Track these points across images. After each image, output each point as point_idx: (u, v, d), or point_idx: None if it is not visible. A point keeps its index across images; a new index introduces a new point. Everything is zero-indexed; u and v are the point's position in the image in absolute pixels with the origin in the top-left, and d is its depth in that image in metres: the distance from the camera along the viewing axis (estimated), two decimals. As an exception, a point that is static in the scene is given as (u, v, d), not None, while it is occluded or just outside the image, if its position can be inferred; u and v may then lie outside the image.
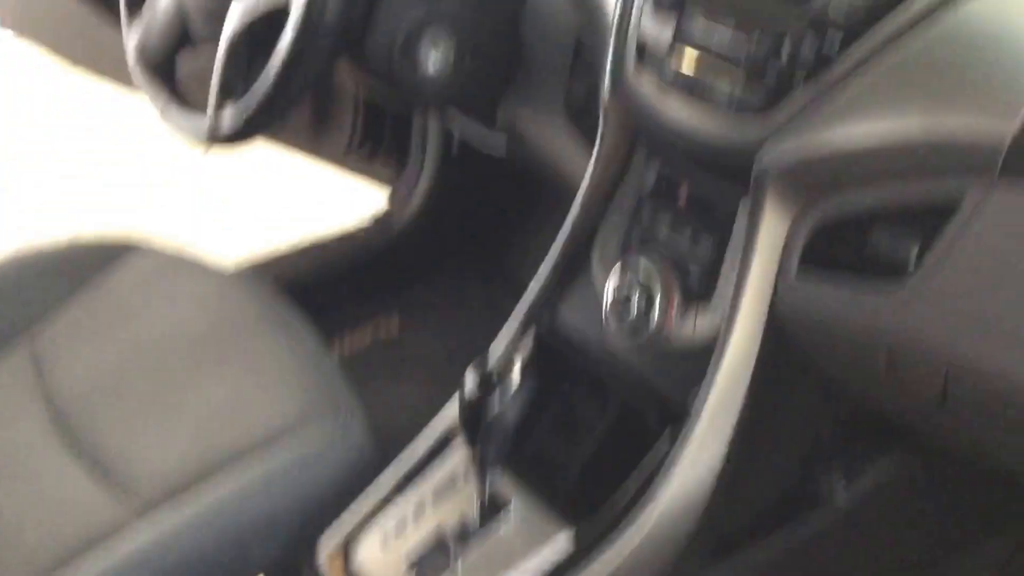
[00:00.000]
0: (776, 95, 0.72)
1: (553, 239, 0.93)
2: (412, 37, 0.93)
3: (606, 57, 0.85)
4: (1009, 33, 0.64)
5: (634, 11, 0.83)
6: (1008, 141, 0.63)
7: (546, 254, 0.93)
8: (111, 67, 1.47)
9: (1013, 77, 0.63)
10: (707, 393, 0.78)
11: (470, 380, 0.82)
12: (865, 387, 0.84)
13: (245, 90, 0.89)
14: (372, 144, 1.46)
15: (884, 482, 0.92)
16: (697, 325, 0.83)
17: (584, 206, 0.90)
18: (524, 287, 0.94)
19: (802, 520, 0.91)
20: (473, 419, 0.83)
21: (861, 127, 0.69)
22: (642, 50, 0.82)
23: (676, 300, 0.83)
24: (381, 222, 1.52)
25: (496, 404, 0.80)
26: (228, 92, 0.91)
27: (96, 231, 1.12)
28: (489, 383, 0.81)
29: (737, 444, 0.79)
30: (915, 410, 0.84)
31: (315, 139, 1.49)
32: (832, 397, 0.89)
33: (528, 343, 0.90)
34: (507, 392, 0.81)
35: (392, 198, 1.52)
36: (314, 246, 1.49)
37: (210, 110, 0.92)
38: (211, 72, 0.92)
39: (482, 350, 0.93)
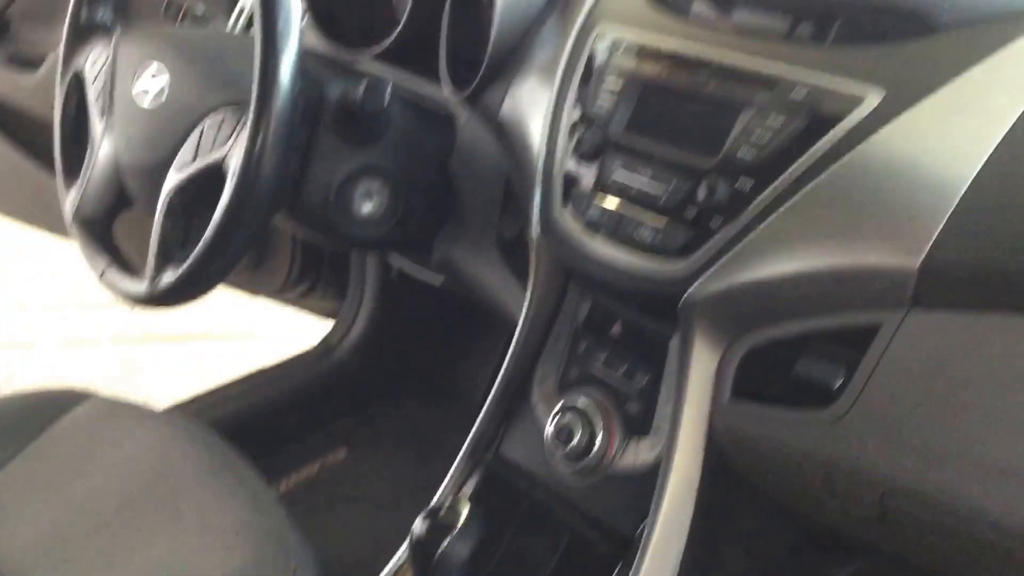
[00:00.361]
0: (695, 237, 0.76)
1: (494, 362, 0.95)
2: (346, 188, 0.96)
3: (534, 198, 0.88)
4: (908, 170, 0.69)
5: (558, 154, 0.87)
6: (915, 274, 0.67)
7: (489, 377, 0.95)
8: (49, 219, 1.48)
9: (914, 212, 0.67)
10: (654, 522, 0.80)
11: (419, 526, 0.82)
12: (808, 507, 0.86)
13: (184, 251, 0.90)
14: (310, 279, 1.47)
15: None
16: (639, 455, 0.85)
17: (522, 343, 0.93)
18: (469, 410, 0.95)
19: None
20: (423, 562, 0.83)
21: (778, 264, 0.73)
22: (568, 192, 0.85)
23: (616, 432, 0.85)
24: (323, 353, 1.53)
25: (446, 544, 0.81)
26: (167, 253, 0.91)
27: (37, 385, 1.11)
28: (438, 524, 0.82)
29: (689, 570, 0.81)
30: (858, 527, 0.86)
31: (252, 276, 1.50)
32: (783, 516, 0.90)
33: (475, 480, 0.91)
34: (456, 531, 0.81)
35: (333, 329, 1.54)
36: (256, 381, 1.49)
37: (149, 272, 0.92)
38: (149, 233, 0.92)
39: (429, 475, 0.93)
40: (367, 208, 0.97)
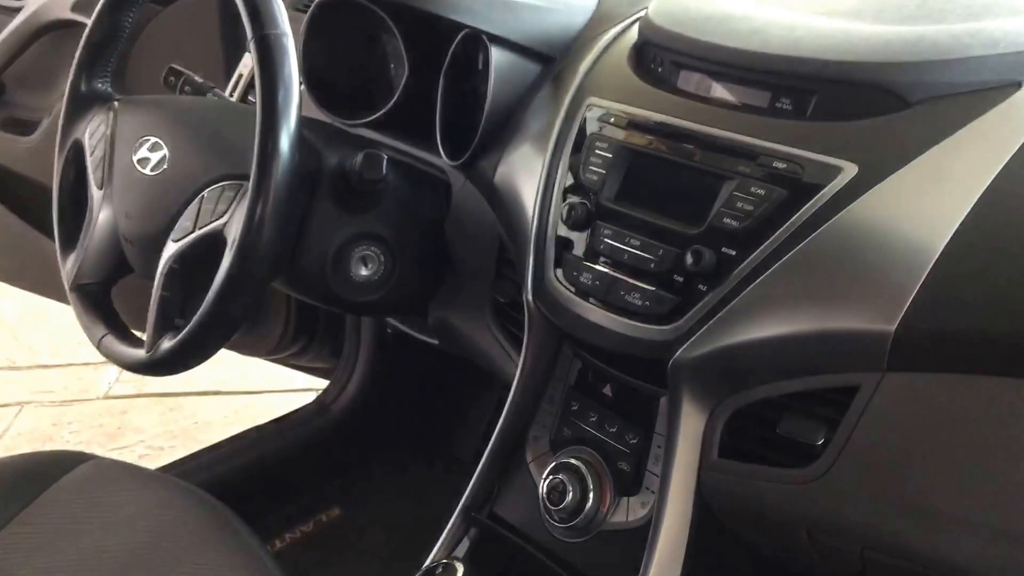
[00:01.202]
0: (682, 303, 0.79)
1: (488, 421, 0.97)
2: (343, 254, 0.98)
3: (527, 263, 0.91)
4: (883, 238, 0.71)
5: (550, 221, 0.90)
6: (891, 337, 0.69)
7: (482, 436, 0.97)
8: (42, 281, 1.50)
9: (889, 278, 0.70)
10: (643, 578, 0.82)
11: None
12: (792, 560, 0.88)
13: (183, 319, 0.91)
14: (305, 339, 1.49)
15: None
16: (630, 513, 0.87)
17: (515, 403, 0.95)
18: (463, 468, 0.96)
19: None
20: None
21: (761, 328, 0.75)
22: (560, 257, 0.88)
23: (608, 489, 0.87)
24: (318, 411, 1.54)
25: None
26: (165, 321, 0.92)
27: (37, 448, 1.12)
28: None
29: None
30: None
31: (247, 337, 1.51)
32: (770, 569, 0.92)
33: (469, 539, 0.92)
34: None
35: (328, 387, 1.55)
36: (252, 439, 1.50)
37: (148, 340, 0.93)
38: (148, 301, 0.93)
39: (424, 534, 0.94)
40: (364, 273, 0.99)
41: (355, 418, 1.52)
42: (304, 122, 0.91)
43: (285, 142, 0.85)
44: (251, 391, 2.29)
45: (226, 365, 2.19)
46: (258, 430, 1.52)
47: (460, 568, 0.81)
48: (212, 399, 2.28)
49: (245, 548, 1.00)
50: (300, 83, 0.88)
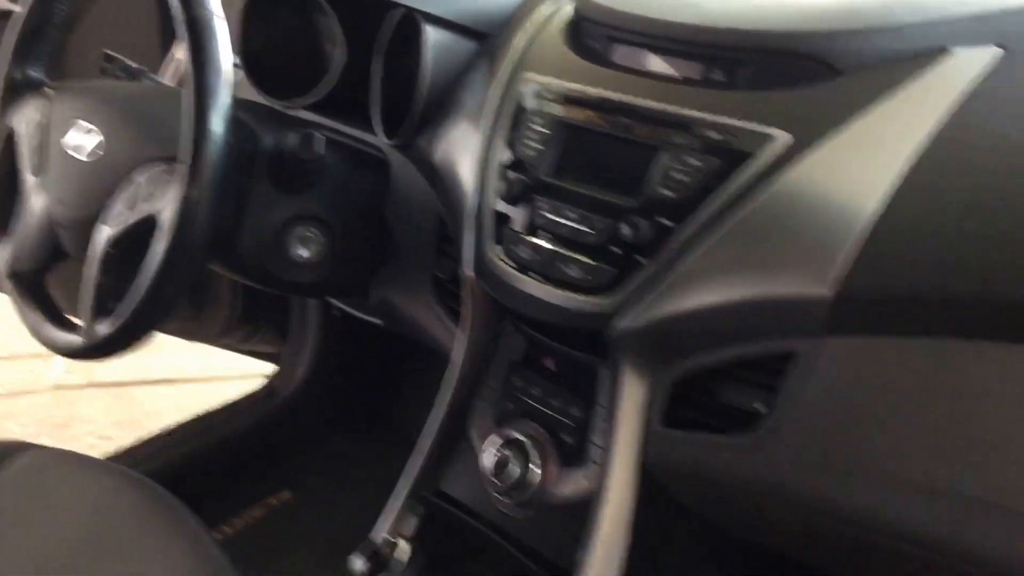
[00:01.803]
0: (620, 274, 0.79)
1: (436, 395, 0.97)
2: (282, 235, 0.97)
3: (467, 238, 0.91)
4: (817, 205, 0.72)
5: (489, 197, 0.89)
6: (828, 302, 0.70)
7: (431, 410, 0.97)
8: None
9: (825, 244, 0.71)
10: (588, 551, 0.82)
11: (358, 564, 0.83)
12: (742, 528, 0.89)
13: (118, 302, 0.90)
14: (252, 323, 1.48)
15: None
16: (575, 485, 0.87)
17: (458, 379, 0.95)
18: (413, 444, 0.96)
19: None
20: None
21: (699, 296, 0.76)
22: (499, 233, 0.88)
23: (552, 463, 0.87)
24: (266, 395, 1.53)
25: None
26: (101, 306, 0.91)
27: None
28: (379, 562, 0.83)
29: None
30: (790, 546, 0.89)
31: (193, 323, 1.50)
32: (722, 539, 0.93)
33: (415, 515, 0.92)
34: (397, 567, 0.83)
35: (276, 371, 1.54)
36: (200, 426, 1.49)
37: (85, 325, 0.92)
38: (83, 285, 0.93)
39: (375, 514, 0.94)
40: (303, 254, 0.99)
41: (304, 401, 1.51)
42: (240, 104, 0.90)
43: (217, 123, 0.84)
44: (203, 379, 2.27)
45: (178, 353, 2.17)
46: (207, 416, 1.50)
47: (403, 545, 0.81)
48: (164, 388, 2.25)
49: (190, 535, 0.99)
50: (237, 65, 0.87)
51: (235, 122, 0.87)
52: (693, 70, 0.83)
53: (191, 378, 2.28)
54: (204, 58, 0.84)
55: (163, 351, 2.26)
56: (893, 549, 0.76)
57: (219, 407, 1.52)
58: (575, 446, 0.87)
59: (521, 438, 0.88)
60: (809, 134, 0.74)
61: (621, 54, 0.88)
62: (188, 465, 1.42)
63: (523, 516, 0.89)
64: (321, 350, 1.49)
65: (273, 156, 0.96)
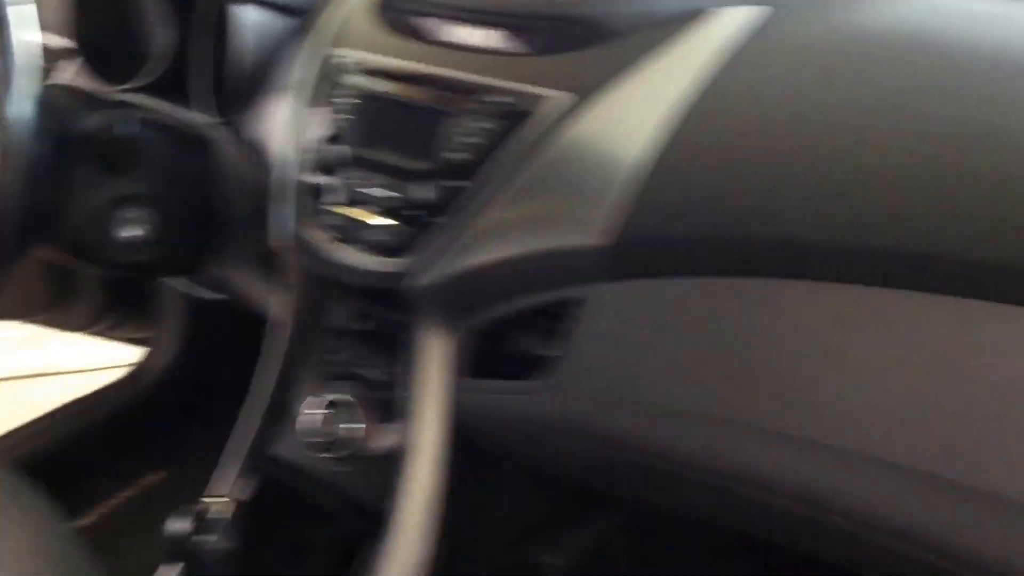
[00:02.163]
0: (417, 235, 0.84)
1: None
2: (106, 217, 0.99)
3: (283, 211, 0.95)
4: (593, 159, 0.77)
5: (301, 169, 0.93)
6: (607, 250, 0.76)
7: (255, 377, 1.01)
8: None
9: (601, 196, 0.76)
10: (399, 501, 0.87)
11: (177, 525, 0.87)
12: (554, 469, 0.95)
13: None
14: (116, 310, 1.49)
15: (598, 547, 1.03)
16: (390, 440, 0.92)
17: (283, 346, 0.99)
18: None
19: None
20: (190, 562, 0.87)
21: (490, 252, 0.81)
22: (311, 204, 0.92)
23: (368, 420, 0.92)
24: (134, 379, 1.54)
25: (212, 543, 0.86)
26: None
27: None
28: (205, 524, 0.86)
29: (440, 538, 0.88)
30: (602, 483, 0.95)
31: (59, 312, 1.50)
32: (538, 481, 0.99)
33: (241, 478, 0.96)
34: (219, 526, 0.87)
35: (144, 355, 1.55)
36: (65, 414, 1.49)
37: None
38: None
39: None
40: (131, 235, 1.01)
41: (173, 381, 1.52)
42: (57, 88, 0.92)
43: (21, 109, 0.86)
44: (87, 369, 2.25)
45: (61, 344, 2.15)
46: (73, 403, 1.51)
47: (220, 504, 0.85)
48: (46, 380, 2.23)
49: (40, 522, 1.00)
50: (73, 50, 0.87)
51: (48, 107, 0.88)
52: (492, 39, 0.87)
53: (76, 370, 2.26)
54: (5, 44, 0.85)
55: (47, 343, 2.23)
56: (691, 478, 0.80)
57: (85, 394, 1.52)
58: (390, 402, 0.92)
59: (341, 398, 0.92)
60: (585, 93, 0.79)
61: (427, 28, 0.92)
62: (58, 451, 1.42)
63: (346, 472, 0.93)
64: (186, 330, 1.50)
65: (92, 138, 0.97)
